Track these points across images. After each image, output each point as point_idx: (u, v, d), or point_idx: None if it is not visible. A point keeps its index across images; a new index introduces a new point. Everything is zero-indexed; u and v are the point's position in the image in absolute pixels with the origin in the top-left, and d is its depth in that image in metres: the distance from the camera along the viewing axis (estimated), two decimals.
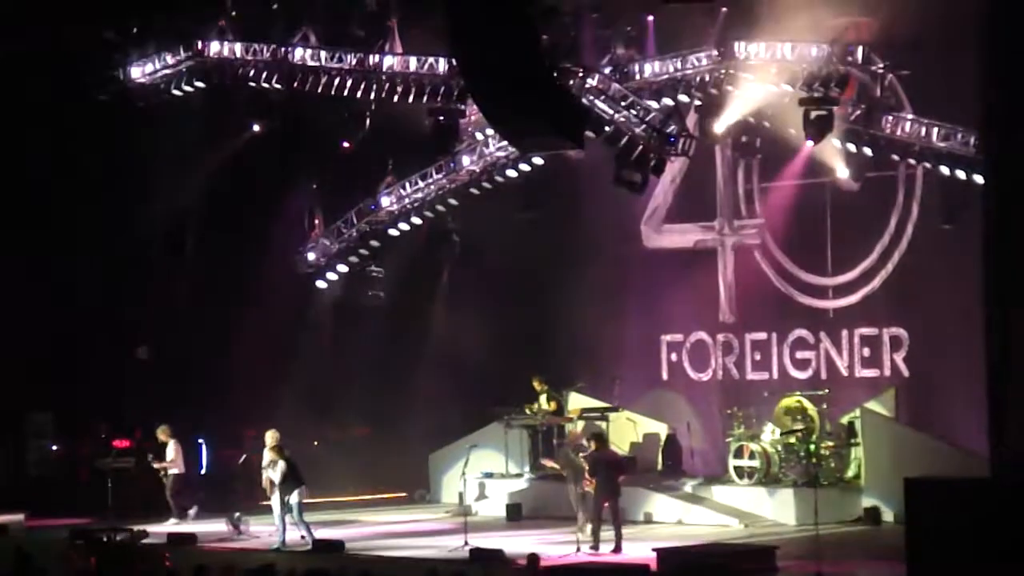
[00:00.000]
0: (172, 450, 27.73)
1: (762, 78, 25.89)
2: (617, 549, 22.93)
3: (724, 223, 30.45)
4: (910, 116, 26.35)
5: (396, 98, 27.50)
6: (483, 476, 28.64)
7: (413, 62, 27.53)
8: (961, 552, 17.57)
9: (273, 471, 24.17)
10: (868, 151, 26.38)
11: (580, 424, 27.69)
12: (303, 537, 24.03)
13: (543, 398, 28.77)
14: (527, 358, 29.68)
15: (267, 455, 24.59)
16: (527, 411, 28.87)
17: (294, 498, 24.00)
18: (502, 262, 31.04)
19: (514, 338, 30.57)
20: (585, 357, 30.96)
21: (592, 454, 24.15)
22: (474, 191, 29.16)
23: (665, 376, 31.30)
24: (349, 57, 28.05)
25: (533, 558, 20.45)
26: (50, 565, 18.88)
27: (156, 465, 27.68)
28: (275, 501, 24.14)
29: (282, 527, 24.04)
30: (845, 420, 26.77)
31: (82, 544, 22.51)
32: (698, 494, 26.87)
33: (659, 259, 30.94)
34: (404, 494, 30.96)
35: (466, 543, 23.27)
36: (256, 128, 29.51)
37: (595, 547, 23.11)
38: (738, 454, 26.61)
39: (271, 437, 24.74)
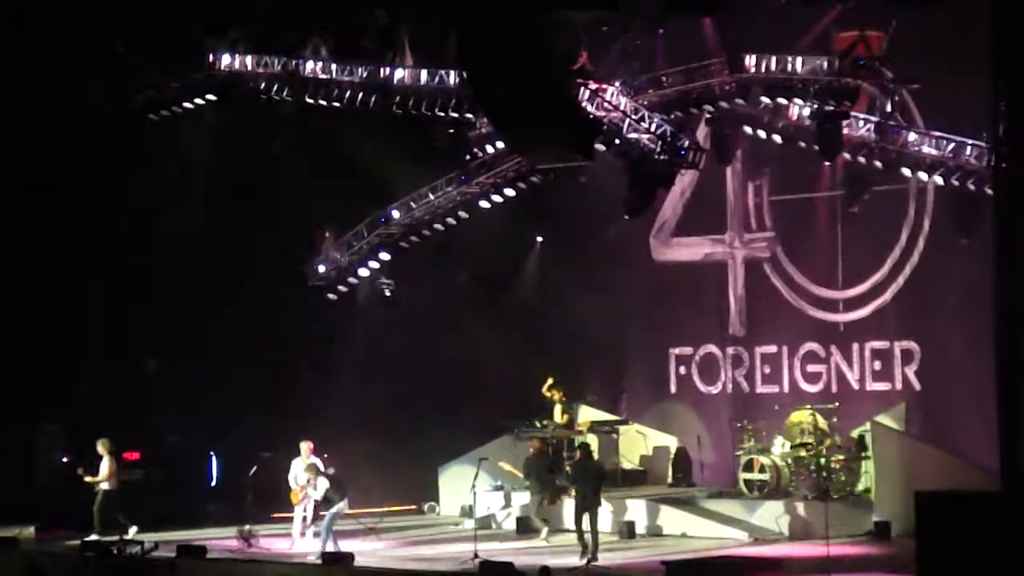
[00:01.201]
0: (106, 465, 27.35)
1: (772, 91, 25.92)
2: (593, 558, 23.08)
3: (735, 236, 30.46)
4: (921, 129, 26.39)
5: (407, 111, 27.56)
6: (492, 489, 28.59)
7: (424, 75, 27.63)
8: (972, 566, 17.52)
9: (314, 490, 24.40)
10: (878, 164, 26.42)
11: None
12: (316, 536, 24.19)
13: (557, 409, 28.75)
14: (537, 371, 29.64)
15: (303, 474, 25.13)
16: (537, 424, 28.84)
17: (332, 510, 24.37)
18: (512, 275, 31.06)
19: (524, 351, 30.54)
20: (594, 370, 30.98)
21: (577, 464, 24.38)
22: (484, 204, 29.17)
23: (673, 389, 31.30)
24: (360, 70, 28.17)
25: (545, 572, 20.44)
26: None
27: (88, 479, 27.46)
28: (325, 513, 24.57)
29: (324, 537, 24.27)
30: (856, 434, 26.72)
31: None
32: (708, 507, 26.82)
33: (668, 272, 30.95)
34: (414, 507, 30.93)
35: (476, 556, 23.26)
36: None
37: (594, 557, 23.15)
38: (748, 467, 26.57)
39: (305, 448, 25.13)
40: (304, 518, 25.96)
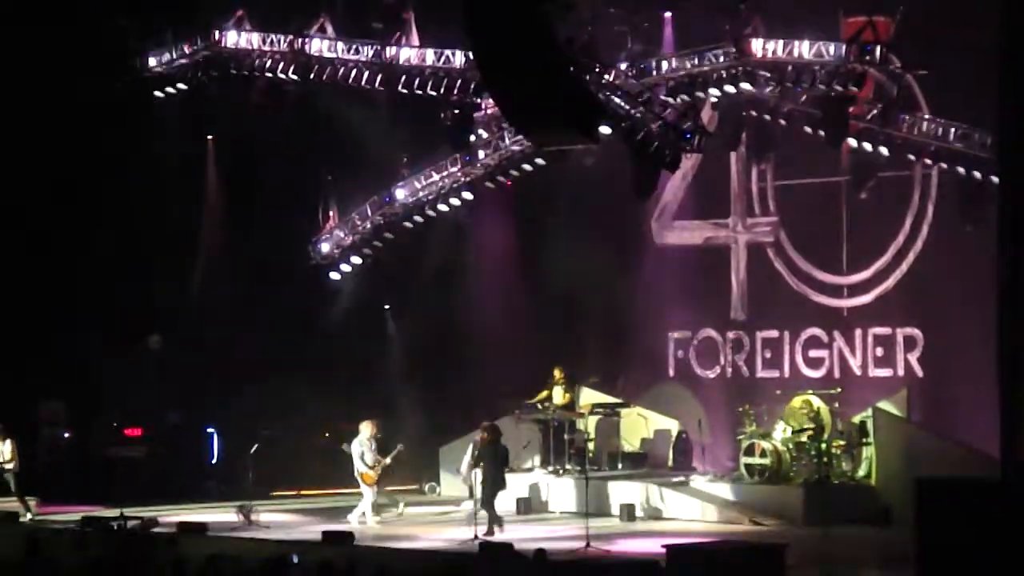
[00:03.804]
0: (8, 450, 27.18)
1: (779, 76, 25.88)
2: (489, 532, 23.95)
3: (738, 221, 30.43)
4: (927, 116, 26.38)
5: (412, 91, 27.53)
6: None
7: (430, 55, 27.60)
8: (971, 553, 17.53)
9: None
10: (884, 150, 26.39)
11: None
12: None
13: (558, 389, 28.73)
14: (537, 353, 29.66)
15: (370, 454, 25.77)
16: (538, 406, 28.83)
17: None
18: (512, 256, 31.05)
19: (524, 332, 30.53)
20: (593, 352, 30.95)
21: (483, 446, 24.62)
22: (489, 185, 29.16)
23: (671, 372, 31.29)
24: (366, 49, 28.13)
25: (541, 553, 20.46)
26: (61, 552, 18.94)
27: None
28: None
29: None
30: (857, 420, 26.72)
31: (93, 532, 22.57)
32: (708, 491, 26.84)
33: (669, 255, 30.90)
34: (415, 486, 30.96)
35: (476, 536, 23.31)
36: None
37: (490, 532, 23.96)
38: (749, 452, 26.57)
39: (369, 428, 26.07)
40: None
